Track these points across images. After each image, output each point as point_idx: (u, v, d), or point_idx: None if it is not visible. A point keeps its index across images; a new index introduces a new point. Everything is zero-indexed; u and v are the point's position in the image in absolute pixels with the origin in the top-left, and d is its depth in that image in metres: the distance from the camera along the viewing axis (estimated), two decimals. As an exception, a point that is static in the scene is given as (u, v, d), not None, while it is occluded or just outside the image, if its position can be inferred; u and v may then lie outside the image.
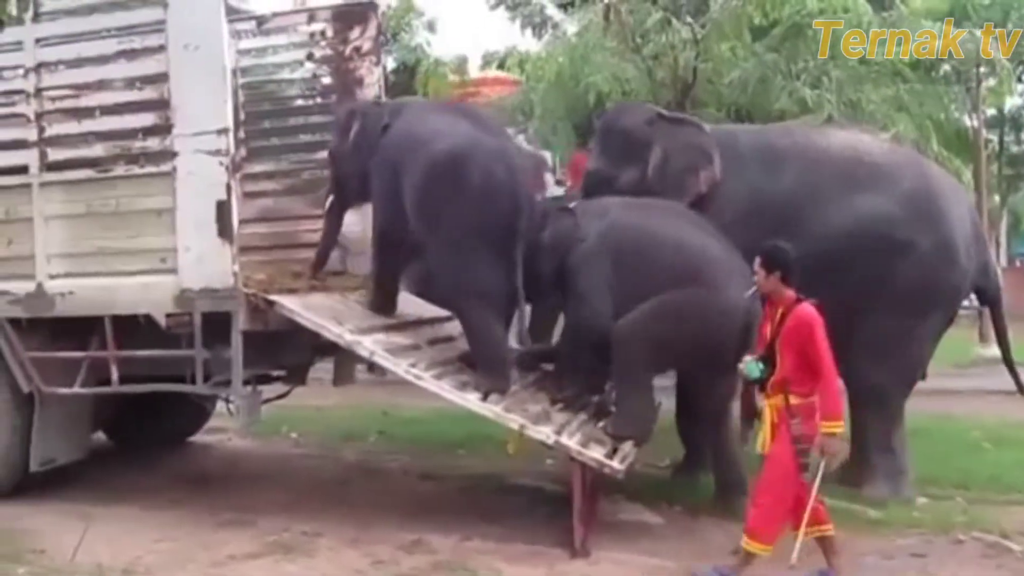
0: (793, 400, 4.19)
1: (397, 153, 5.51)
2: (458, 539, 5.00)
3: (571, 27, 10.80)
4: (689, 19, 9.26)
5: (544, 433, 4.83)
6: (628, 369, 5.21)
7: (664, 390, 7.42)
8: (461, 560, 4.68)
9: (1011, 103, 19.61)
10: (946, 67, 13.85)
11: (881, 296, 5.61)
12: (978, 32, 11.93)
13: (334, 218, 6.12)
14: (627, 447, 5.05)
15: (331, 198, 6.09)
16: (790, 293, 4.25)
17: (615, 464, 4.73)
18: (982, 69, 13.66)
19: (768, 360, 4.27)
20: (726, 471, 5.41)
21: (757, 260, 4.32)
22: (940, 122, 10.87)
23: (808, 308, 4.18)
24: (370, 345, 5.40)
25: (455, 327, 6.12)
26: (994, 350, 6.91)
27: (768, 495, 4.22)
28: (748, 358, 4.39)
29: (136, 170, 5.58)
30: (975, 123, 15.48)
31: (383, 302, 5.99)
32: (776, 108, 8.90)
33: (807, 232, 5.50)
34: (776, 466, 4.21)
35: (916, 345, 5.81)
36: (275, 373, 6.34)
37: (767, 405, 4.30)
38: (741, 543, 4.26)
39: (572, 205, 5.82)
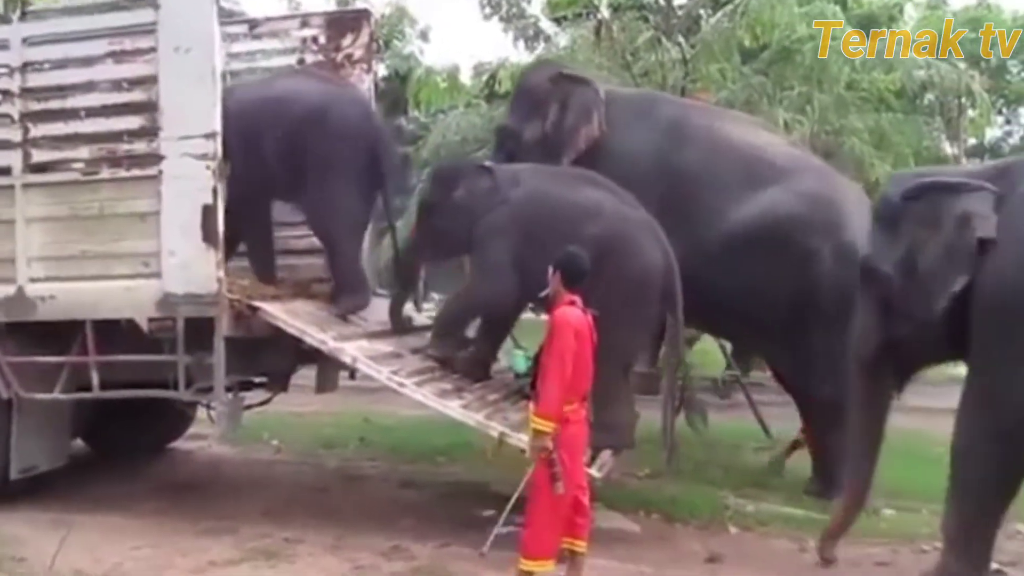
0: None
1: (252, 122, 5.81)
2: (437, 545, 5.02)
3: (563, 41, 10.86)
4: (680, 39, 9.36)
5: (524, 441, 4.83)
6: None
7: (644, 402, 7.50)
8: (441, 565, 4.71)
9: (991, 134, 19.95)
10: (930, 96, 14.06)
11: (805, 311, 5.65)
12: (961, 64, 12.14)
13: None
14: (605, 456, 5.07)
15: None
16: (566, 296, 4.20)
17: (593, 472, 4.74)
18: (963, 100, 13.87)
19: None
20: None
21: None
22: (920, 151, 11.01)
23: (564, 311, 4.11)
24: (353, 352, 5.44)
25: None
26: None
27: (537, 512, 4.10)
28: (519, 352, 4.38)
29: (121, 173, 5.55)
30: (956, 152, 15.69)
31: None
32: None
33: (703, 215, 5.80)
34: (539, 479, 4.08)
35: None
36: (257, 379, 6.31)
37: (530, 410, 4.20)
38: (517, 565, 4.12)
39: (488, 164, 5.95)
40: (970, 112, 14.35)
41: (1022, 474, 4.21)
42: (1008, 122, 22.59)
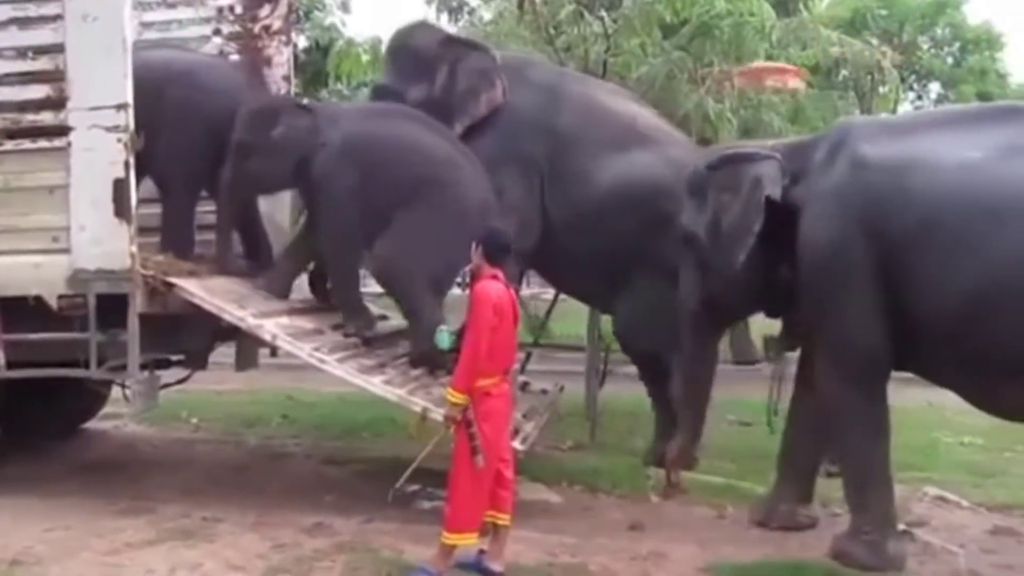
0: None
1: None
2: (360, 521, 5.03)
3: (487, 14, 10.81)
4: (602, 13, 9.38)
5: (446, 415, 4.86)
6: (410, 294, 5.57)
7: (574, 375, 7.62)
8: (363, 541, 4.71)
9: (902, 108, 20.60)
10: (844, 72, 14.42)
11: (663, 274, 5.72)
12: (874, 40, 12.46)
13: None
14: (528, 428, 5.12)
15: None
16: (488, 271, 4.25)
17: (516, 444, 4.80)
18: (875, 76, 14.23)
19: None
20: None
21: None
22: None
23: (484, 285, 4.17)
24: (272, 328, 5.38)
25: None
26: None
27: (459, 486, 4.16)
28: (443, 327, 4.50)
29: (27, 145, 5.35)
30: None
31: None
32: (682, 111, 9.09)
33: (575, 175, 5.96)
34: (460, 453, 4.14)
35: None
36: (174, 357, 6.19)
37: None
38: (440, 539, 4.20)
39: (307, 103, 6.02)
40: (881, 88, 14.75)
41: (886, 414, 4.61)
42: (919, 97, 23.33)
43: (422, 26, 6.70)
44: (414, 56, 6.33)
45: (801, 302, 4.69)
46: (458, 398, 4.08)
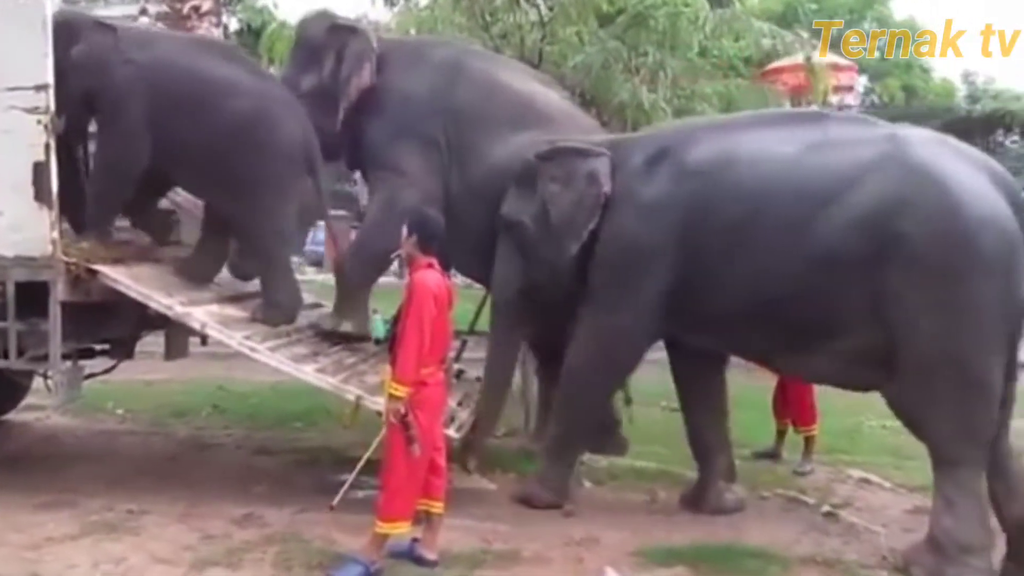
0: None
1: None
2: (292, 511, 4.97)
3: (423, 0, 10.70)
4: (538, 1, 9.38)
5: (381, 404, 4.82)
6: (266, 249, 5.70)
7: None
8: (295, 532, 4.66)
9: (832, 99, 21.10)
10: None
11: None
12: (804, 33, 12.67)
13: None
14: (463, 416, 5.12)
15: None
16: (423, 259, 4.19)
17: (450, 432, 4.79)
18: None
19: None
20: None
21: (405, 223, 4.33)
22: (763, 116, 11.42)
23: (423, 275, 4.13)
24: (202, 316, 5.29)
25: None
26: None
27: (393, 474, 4.12)
28: (377, 316, 4.49)
29: (-60, 127, 5.13)
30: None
31: None
32: (617, 100, 9.15)
33: (472, 153, 5.98)
34: (394, 442, 4.10)
35: None
36: (99, 347, 6.02)
37: (387, 374, 4.23)
38: (373, 528, 4.14)
39: (110, 22, 5.85)
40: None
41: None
42: (849, 89, 23.97)
43: (317, 15, 6.62)
44: (308, 46, 6.35)
45: (590, 280, 4.99)
46: (401, 391, 4.01)
